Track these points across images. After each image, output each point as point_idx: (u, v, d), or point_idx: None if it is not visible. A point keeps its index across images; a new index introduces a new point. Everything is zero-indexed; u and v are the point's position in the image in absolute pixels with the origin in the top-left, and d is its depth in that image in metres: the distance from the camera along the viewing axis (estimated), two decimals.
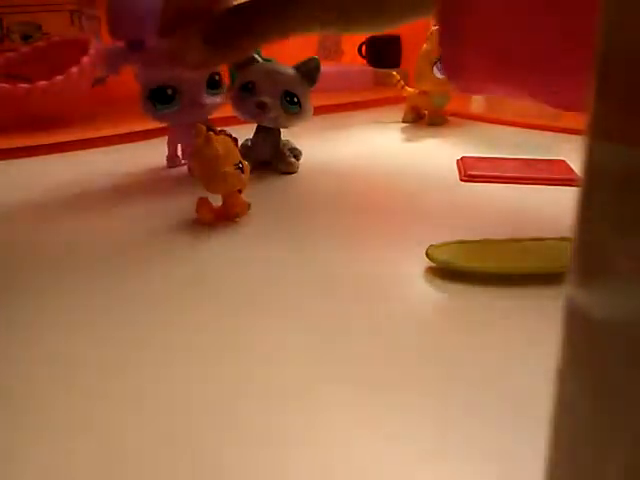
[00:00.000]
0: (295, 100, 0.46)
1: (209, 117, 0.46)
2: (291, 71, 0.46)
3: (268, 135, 0.48)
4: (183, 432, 0.19)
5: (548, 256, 0.30)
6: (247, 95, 0.46)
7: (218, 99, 0.45)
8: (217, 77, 0.44)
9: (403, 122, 0.69)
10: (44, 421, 0.20)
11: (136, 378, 0.22)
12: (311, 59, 0.47)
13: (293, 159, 0.49)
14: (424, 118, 0.69)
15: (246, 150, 0.48)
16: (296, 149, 0.51)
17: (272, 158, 0.49)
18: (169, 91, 0.42)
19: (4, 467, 0.18)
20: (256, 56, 0.47)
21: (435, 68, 0.64)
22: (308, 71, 0.46)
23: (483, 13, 0.29)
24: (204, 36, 0.38)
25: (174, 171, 0.49)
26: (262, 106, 0.45)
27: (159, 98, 0.42)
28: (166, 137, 0.59)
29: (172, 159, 0.49)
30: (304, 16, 0.35)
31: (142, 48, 0.42)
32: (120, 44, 0.42)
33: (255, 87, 0.46)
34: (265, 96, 0.45)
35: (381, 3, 0.34)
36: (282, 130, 0.49)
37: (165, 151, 0.52)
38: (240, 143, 0.46)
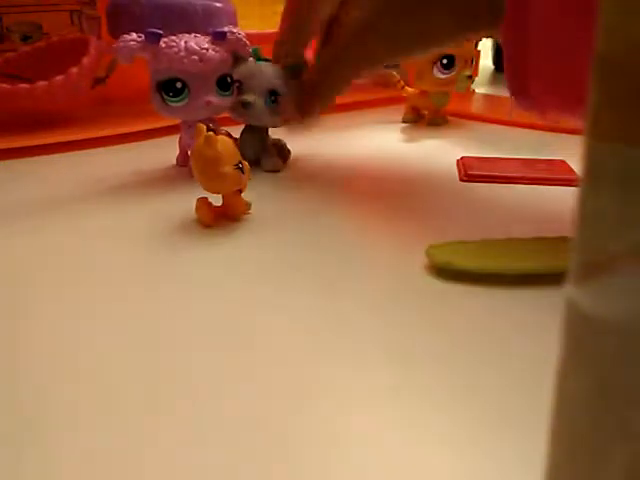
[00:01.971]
0: (279, 99, 0.47)
1: (216, 117, 0.46)
2: (276, 70, 0.47)
3: (254, 134, 0.49)
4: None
5: (548, 256, 0.30)
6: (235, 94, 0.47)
7: (227, 101, 0.45)
8: (229, 79, 0.44)
9: (403, 122, 0.69)
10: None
11: (133, 378, 0.22)
12: (299, 60, 0.48)
13: (276, 158, 0.49)
14: (424, 118, 0.69)
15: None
16: (285, 148, 0.51)
17: (258, 156, 0.49)
18: (178, 84, 0.42)
19: None
20: (251, 57, 0.48)
21: (435, 68, 0.64)
22: (294, 70, 0.47)
23: (546, 41, 0.30)
24: (295, 103, 0.46)
25: (174, 171, 0.49)
26: (245, 105, 0.46)
27: (168, 90, 0.42)
28: (166, 138, 0.59)
29: (183, 158, 0.49)
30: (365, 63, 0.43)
31: (159, 40, 0.42)
32: (137, 34, 0.42)
33: (242, 85, 0.47)
34: (249, 95, 0.46)
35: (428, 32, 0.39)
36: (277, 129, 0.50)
37: (165, 152, 0.52)
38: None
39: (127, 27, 0.43)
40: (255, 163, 0.49)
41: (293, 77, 0.48)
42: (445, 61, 0.63)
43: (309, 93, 0.46)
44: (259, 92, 0.46)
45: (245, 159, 0.48)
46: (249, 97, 0.46)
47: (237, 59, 0.48)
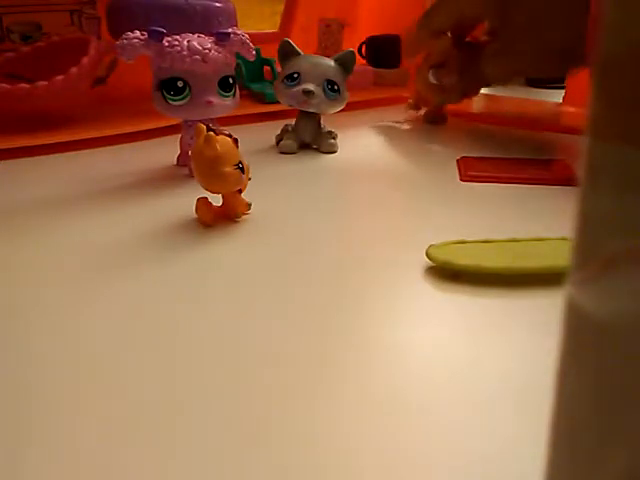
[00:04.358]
0: (335, 88, 0.53)
1: (216, 117, 0.46)
2: (331, 62, 0.54)
3: (310, 120, 0.55)
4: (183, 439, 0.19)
5: (548, 256, 0.30)
6: (293, 84, 0.53)
7: (228, 101, 0.44)
8: (231, 80, 0.44)
9: (411, 109, 0.70)
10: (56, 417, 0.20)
11: (133, 380, 0.22)
12: (348, 52, 0.54)
13: (333, 140, 0.56)
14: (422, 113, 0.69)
15: (288, 134, 0.56)
16: (332, 132, 0.57)
17: (314, 141, 0.56)
18: (180, 83, 0.42)
19: None
20: (297, 49, 0.54)
21: (430, 74, 0.63)
22: (345, 62, 0.54)
23: None
24: (458, 64, 0.60)
25: (174, 171, 0.49)
26: (307, 93, 0.52)
27: (169, 89, 0.42)
28: (166, 138, 0.59)
29: (183, 158, 0.49)
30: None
31: (162, 38, 0.42)
32: (140, 32, 0.42)
33: (300, 76, 0.53)
34: (310, 84, 0.52)
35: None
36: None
37: (165, 152, 0.52)
38: (281, 128, 0.57)
39: (127, 27, 0.43)
40: (309, 146, 0.56)
41: (346, 70, 0.54)
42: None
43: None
44: (318, 82, 0.52)
45: (303, 143, 0.56)
46: (311, 86, 0.52)
47: (289, 53, 0.54)
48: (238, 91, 0.46)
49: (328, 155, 0.55)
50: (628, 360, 0.09)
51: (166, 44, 0.42)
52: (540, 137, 0.63)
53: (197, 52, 0.42)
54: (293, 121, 0.56)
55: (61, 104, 0.60)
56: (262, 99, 0.73)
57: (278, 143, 0.56)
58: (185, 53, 0.42)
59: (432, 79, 0.63)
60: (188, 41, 0.42)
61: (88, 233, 0.36)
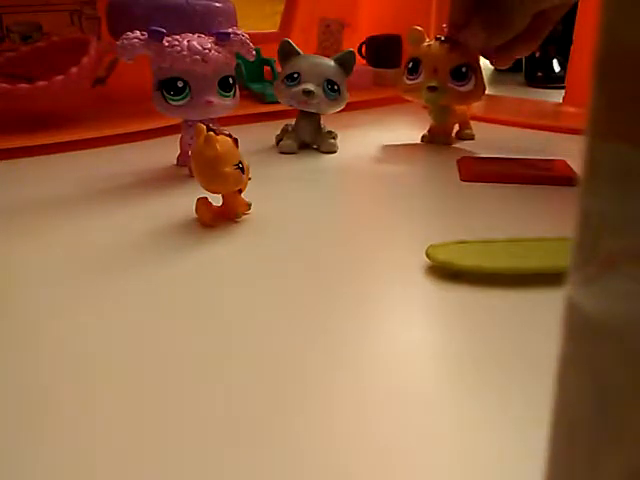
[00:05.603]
0: (335, 88, 0.53)
1: (216, 117, 0.46)
2: (331, 62, 0.54)
3: (310, 120, 0.55)
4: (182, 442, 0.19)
5: (548, 256, 0.30)
6: (293, 84, 0.53)
7: (228, 101, 0.44)
8: (230, 79, 0.44)
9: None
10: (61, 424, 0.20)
11: (133, 379, 0.22)
12: (348, 52, 0.54)
13: (333, 140, 0.56)
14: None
15: (288, 134, 0.56)
16: (332, 132, 0.57)
17: (314, 141, 0.56)
18: (179, 83, 0.42)
19: None
20: (297, 49, 0.54)
21: (405, 73, 0.57)
22: (345, 62, 0.54)
23: None
24: (482, 21, 0.50)
25: (174, 171, 0.49)
26: (307, 93, 0.52)
27: (169, 89, 0.42)
28: (166, 138, 0.59)
29: (183, 158, 0.49)
30: None
31: (162, 38, 0.42)
32: (141, 32, 0.42)
33: (300, 76, 0.53)
34: (310, 84, 0.52)
35: None
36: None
37: (165, 152, 0.52)
38: (281, 128, 0.57)
39: (127, 27, 0.43)
40: (309, 146, 0.56)
41: (345, 70, 0.54)
42: (410, 65, 0.56)
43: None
44: (318, 82, 0.52)
45: (303, 143, 0.56)
46: (311, 86, 0.52)
47: (289, 53, 0.54)
48: (238, 91, 0.46)
49: (328, 155, 0.55)
50: (628, 360, 0.09)
51: (166, 44, 0.42)
52: (540, 137, 0.63)
53: (197, 52, 0.42)
54: (293, 121, 0.56)
55: (61, 104, 0.60)
56: (262, 99, 0.73)
57: (278, 143, 0.56)
58: (185, 53, 0.42)
59: (406, 80, 0.56)
60: (188, 41, 0.42)
61: (88, 233, 0.36)
